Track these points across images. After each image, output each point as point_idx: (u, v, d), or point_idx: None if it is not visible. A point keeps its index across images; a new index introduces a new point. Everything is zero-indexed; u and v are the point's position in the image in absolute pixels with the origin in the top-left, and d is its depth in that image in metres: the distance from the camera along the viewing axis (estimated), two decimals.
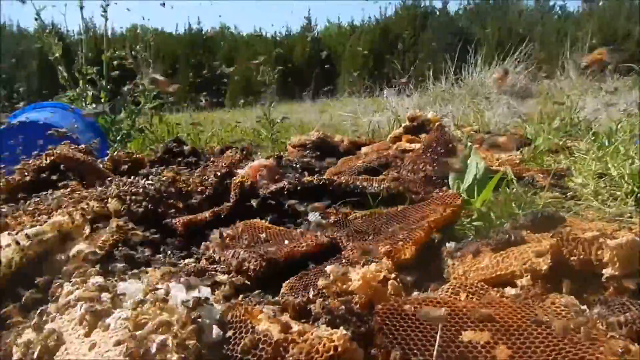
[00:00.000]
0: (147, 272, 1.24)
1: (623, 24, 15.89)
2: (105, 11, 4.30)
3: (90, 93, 4.05)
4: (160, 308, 0.91)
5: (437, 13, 19.00)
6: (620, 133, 3.35)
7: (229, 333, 0.90)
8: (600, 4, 17.64)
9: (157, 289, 1.00)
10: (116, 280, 1.14)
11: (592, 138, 3.36)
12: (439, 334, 0.81)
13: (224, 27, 20.25)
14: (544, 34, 15.24)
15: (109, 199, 1.81)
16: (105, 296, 0.97)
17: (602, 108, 5.08)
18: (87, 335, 0.90)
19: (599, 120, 4.23)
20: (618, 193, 2.32)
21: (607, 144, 3.06)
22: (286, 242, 1.63)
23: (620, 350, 0.74)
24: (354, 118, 6.20)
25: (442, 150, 2.27)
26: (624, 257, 1.17)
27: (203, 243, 1.79)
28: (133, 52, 4.47)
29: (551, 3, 18.54)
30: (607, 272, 1.17)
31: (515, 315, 0.88)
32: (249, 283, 1.47)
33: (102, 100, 4.09)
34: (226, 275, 1.53)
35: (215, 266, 1.63)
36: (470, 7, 19.02)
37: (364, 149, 3.47)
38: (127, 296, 0.97)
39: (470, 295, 1.04)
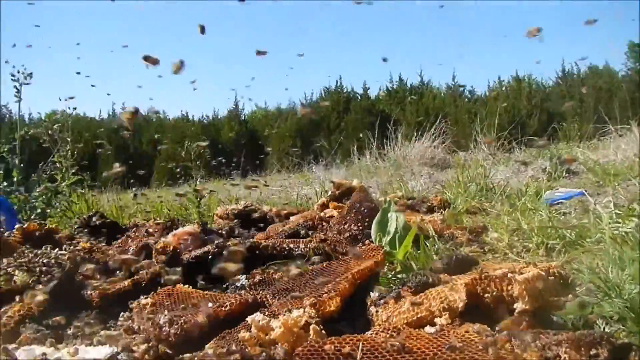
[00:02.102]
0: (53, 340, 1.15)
1: (525, 104, 17.64)
2: (18, 91, 4.19)
3: (0, 172, 3.84)
4: None
5: (359, 97, 20.21)
6: (528, 194, 3.64)
7: None
8: (504, 88, 19.60)
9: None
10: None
11: (505, 199, 3.62)
12: None
13: (152, 112, 20.27)
14: (457, 114, 16.55)
15: (16, 271, 1.69)
16: None
17: (512, 175, 5.51)
18: None
19: (510, 185, 4.56)
20: (530, 245, 2.48)
21: (517, 203, 3.29)
22: (210, 304, 1.57)
23: None
24: (283, 191, 6.27)
25: (365, 210, 2.34)
26: (532, 290, 1.23)
27: (122, 314, 1.69)
28: (50, 132, 4.34)
29: (461, 89, 20.36)
30: (518, 306, 1.23)
31: (431, 344, 0.89)
32: (169, 351, 1.39)
33: (15, 178, 3.89)
34: (145, 345, 1.45)
35: (134, 336, 1.54)
36: (388, 91, 20.41)
37: (292, 217, 3.49)
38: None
39: (390, 334, 1.05)
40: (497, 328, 1.13)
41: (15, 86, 4.13)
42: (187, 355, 1.12)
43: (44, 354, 0.86)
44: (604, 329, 1.16)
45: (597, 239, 2.22)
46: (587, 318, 1.26)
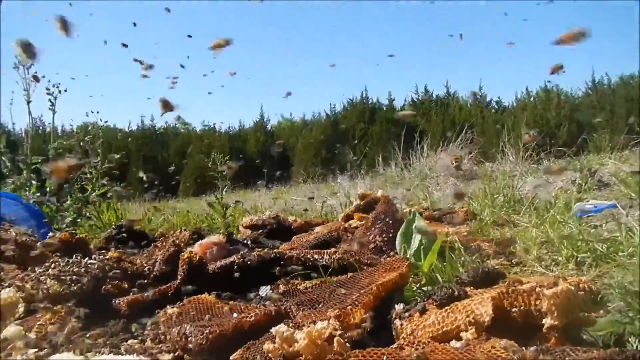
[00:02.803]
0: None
1: (553, 115, 17.34)
2: (53, 104, 4.35)
3: (34, 182, 3.97)
4: None
5: (384, 108, 20.21)
6: (557, 206, 3.56)
7: None
8: (532, 99, 19.33)
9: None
10: None
11: (533, 210, 3.55)
12: None
13: (181, 124, 20.66)
14: (484, 125, 16.36)
15: (47, 280, 1.73)
16: None
17: (540, 186, 5.41)
18: None
19: (538, 196, 4.48)
20: (559, 258, 2.43)
21: (546, 215, 3.23)
22: (234, 315, 1.58)
23: None
24: (308, 202, 6.28)
25: (390, 221, 2.33)
26: (561, 305, 1.21)
27: (149, 322, 1.72)
28: (81, 144, 4.47)
29: (488, 99, 20.18)
30: (547, 322, 1.20)
31: (457, 358, 0.88)
32: None
33: (47, 189, 4.01)
34: (171, 354, 1.47)
35: (160, 345, 1.56)
36: (413, 102, 20.36)
37: (317, 228, 3.50)
38: None
39: (415, 348, 1.04)
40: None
41: (50, 99, 4.28)
42: None
43: None
44: (636, 347, 1.13)
45: (630, 252, 2.16)
46: (619, 336, 1.22)
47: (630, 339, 1.17)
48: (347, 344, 1.11)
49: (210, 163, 4.56)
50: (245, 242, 2.64)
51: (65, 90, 4.23)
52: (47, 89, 4.14)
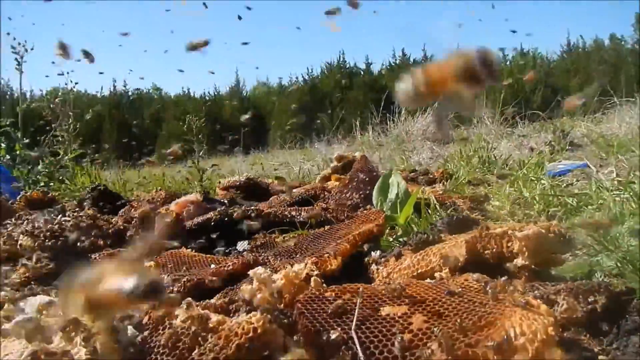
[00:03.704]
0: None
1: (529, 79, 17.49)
2: (19, 64, 4.18)
3: (3, 145, 3.85)
4: None
5: (362, 73, 20.08)
6: (530, 164, 3.63)
7: (146, 333, 0.86)
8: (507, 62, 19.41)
9: None
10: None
11: (507, 170, 3.62)
12: (357, 309, 0.82)
13: (155, 88, 20.21)
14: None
15: (21, 236, 1.71)
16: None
17: (515, 148, 5.50)
18: None
19: (512, 157, 4.55)
20: (531, 212, 2.49)
21: (519, 173, 3.29)
22: (212, 265, 1.59)
23: (522, 302, 0.78)
24: (286, 167, 6.28)
25: (367, 178, 2.34)
26: (532, 246, 1.24)
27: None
28: (52, 105, 4.32)
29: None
30: (518, 262, 1.24)
31: (431, 290, 0.90)
32: None
33: (18, 152, 3.90)
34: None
35: None
36: (391, 66, 20.24)
37: (294, 190, 3.50)
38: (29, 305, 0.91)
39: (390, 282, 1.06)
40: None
41: (16, 58, 4.11)
42: None
43: (51, 300, 0.88)
44: (602, 279, 1.18)
45: (599, 205, 2.23)
46: (586, 274, 1.27)
47: (596, 274, 1.22)
48: (324, 285, 1.12)
49: (185, 127, 4.49)
50: (222, 201, 2.63)
51: (32, 49, 4.07)
52: (13, 47, 3.97)
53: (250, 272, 1.08)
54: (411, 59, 20.45)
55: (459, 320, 0.77)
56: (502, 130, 6.94)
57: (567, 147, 4.88)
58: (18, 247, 1.70)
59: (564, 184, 2.98)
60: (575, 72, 16.15)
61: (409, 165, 5.22)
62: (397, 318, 0.82)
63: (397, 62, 20.34)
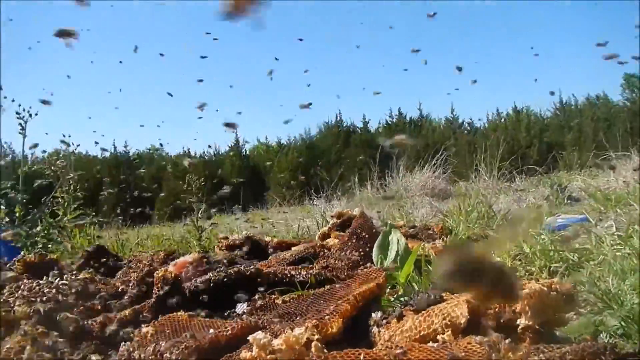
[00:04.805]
0: None
1: (524, 135, 17.85)
2: (23, 128, 4.27)
3: (3, 208, 3.87)
4: None
5: (359, 131, 20.46)
6: (529, 219, 3.63)
7: None
8: (502, 120, 19.87)
9: None
10: None
11: (507, 225, 3.62)
12: None
13: (153, 149, 20.47)
14: (457, 145, 16.71)
15: (16, 302, 1.68)
16: None
17: (513, 202, 5.52)
18: None
19: (511, 212, 4.56)
20: (533, 269, 2.48)
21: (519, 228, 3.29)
22: (211, 330, 1.56)
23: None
24: (284, 224, 6.27)
25: (367, 236, 2.34)
26: (535, 306, 1.23)
27: (122, 343, 1.67)
28: (53, 167, 4.37)
29: (460, 120, 20.65)
30: (521, 322, 1.22)
31: (434, 355, 0.89)
32: None
33: (17, 214, 3.91)
34: None
35: None
36: (388, 124, 20.65)
37: (293, 248, 3.48)
38: None
39: (392, 347, 1.04)
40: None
41: (20, 123, 4.20)
42: None
43: None
44: (608, 340, 1.15)
45: (600, 261, 2.22)
46: (591, 334, 1.25)
47: (601, 335, 1.20)
48: (325, 350, 1.10)
49: (185, 186, 4.52)
50: (221, 261, 2.61)
51: (37, 114, 4.17)
52: (17, 112, 4.07)
53: (250, 338, 1.06)
54: (407, 117, 20.93)
55: None
56: (499, 185, 7.00)
57: (565, 201, 4.91)
58: (13, 314, 1.67)
59: (564, 238, 2.97)
60: (570, 128, 16.49)
61: (409, 220, 5.22)
62: None
63: (394, 120, 20.79)
